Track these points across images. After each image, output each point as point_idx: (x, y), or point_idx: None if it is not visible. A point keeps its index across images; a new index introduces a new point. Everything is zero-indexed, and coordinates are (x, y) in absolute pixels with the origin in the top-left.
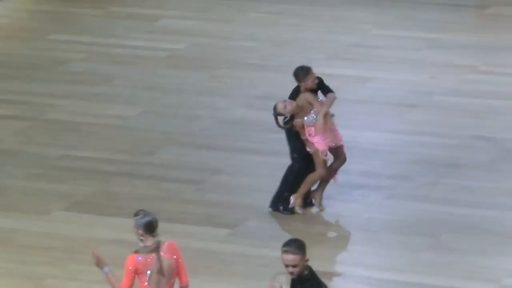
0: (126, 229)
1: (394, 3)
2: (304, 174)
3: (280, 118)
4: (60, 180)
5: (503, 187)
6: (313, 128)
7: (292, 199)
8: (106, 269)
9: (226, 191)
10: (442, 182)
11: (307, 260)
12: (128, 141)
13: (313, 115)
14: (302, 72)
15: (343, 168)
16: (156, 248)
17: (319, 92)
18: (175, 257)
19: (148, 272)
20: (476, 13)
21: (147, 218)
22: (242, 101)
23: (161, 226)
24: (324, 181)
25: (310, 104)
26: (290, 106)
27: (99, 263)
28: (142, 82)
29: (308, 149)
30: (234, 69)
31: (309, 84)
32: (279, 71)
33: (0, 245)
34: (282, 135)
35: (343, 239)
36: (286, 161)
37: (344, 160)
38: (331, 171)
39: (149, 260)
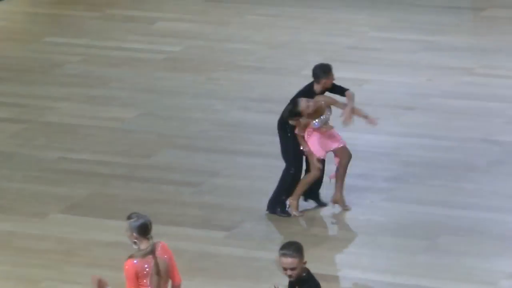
0: (123, 231)
1: (391, 6)
2: (300, 176)
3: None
4: (57, 183)
5: (500, 190)
6: (312, 130)
7: (288, 202)
8: None
9: (223, 194)
10: (439, 184)
11: (305, 263)
12: (125, 143)
13: (320, 119)
14: (322, 72)
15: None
16: (152, 250)
17: (326, 92)
18: (166, 256)
19: (146, 267)
20: (473, 16)
21: (141, 221)
22: (239, 104)
23: (158, 229)
24: (339, 182)
25: (324, 107)
26: (313, 106)
27: (100, 286)
28: (139, 84)
29: (302, 148)
30: (231, 72)
31: (328, 84)
32: (276, 74)
33: None
34: (278, 138)
35: (340, 241)
36: (283, 163)
37: (350, 156)
38: (342, 170)
39: (146, 262)
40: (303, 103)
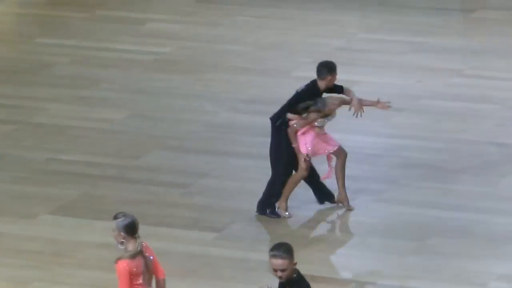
0: (110, 231)
1: (381, 7)
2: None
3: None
4: (46, 184)
5: (489, 191)
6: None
7: (277, 204)
8: None
9: (213, 195)
10: (429, 186)
11: (295, 264)
12: (115, 144)
13: (326, 119)
14: (329, 68)
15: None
16: (141, 250)
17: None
18: (149, 255)
19: (138, 266)
20: (462, 17)
21: (128, 220)
22: (228, 105)
23: (148, 230)
24: (340, 181)
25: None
26: (337, 106)
27: None
28: (129, 85)
29: (293, 145)
30: (220, 73)
31: (333, 81)
32: (266, 75)
33: None
34: (268, 139)
35: (329, 243)
36: None
37: (346, 155)
38: (340, 169)
39: (136, 262)
40: (330, 102)
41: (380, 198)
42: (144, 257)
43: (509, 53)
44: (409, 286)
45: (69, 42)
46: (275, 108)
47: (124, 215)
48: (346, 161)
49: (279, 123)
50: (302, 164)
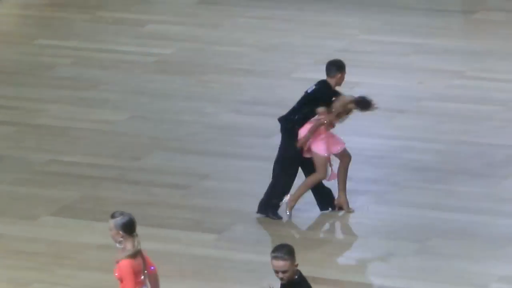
0: (108, 231)
1: (381, 9)
2: (293, 179)
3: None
4: (47, 185)
5: (490, 192)
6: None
7: (287, 198)
8: None
9: (214, 196)
10: (430, 187)
11: (296, 265)
12: (116, 146)
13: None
14: (339, 66)
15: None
16: (140, 249)
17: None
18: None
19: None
20: (463, 19)
21: (126, 218)
22: (229, 106)
23: (148, 231)
24: (341, 184)
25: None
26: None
27: None
28: (130, 87)
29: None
30: (221, 74)
31: (342, 79)
32: (267, 76)
33: None
34: (269, 140)
35: (331, 244)
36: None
37: (350, 157)
38: (342, 172)
39: (137, 260)
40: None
41: (381, 200)
42: (142, 256)
43: (510, 55)
44: (410, 287)
45: (70, 44)
46: (276, 110)
47: (122, 213)
48: None
49: (291, 125)
50: (322, 166)
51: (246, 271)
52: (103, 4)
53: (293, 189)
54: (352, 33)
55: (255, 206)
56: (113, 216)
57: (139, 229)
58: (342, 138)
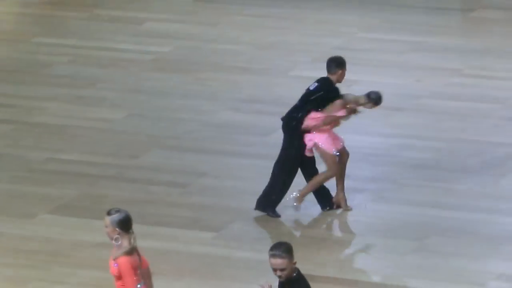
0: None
1: (380, 6)
2: (293, 177)
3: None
4: (45, 183)
5: (489, 190)
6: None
7: (296, 194)
8: None
9: (212, 194)
10: (428, 185)
11: (294, 263)
12: (113, 144)
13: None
14: (339, 63)
15: None
16: (136, 246)
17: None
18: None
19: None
20: (462, 17)
21: (122, 215)
22: (227, 104)
23: (146, 229)
24: (340, 182)
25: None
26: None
27: None
28: (127, 85)
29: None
30: (218, 72)
31: (343, 76)
32: (264, 74)
33: None
34: (267, 138)
35: (329, 242)
36: (271, 163)
37: (348, 155)
38: (342, 170)
39: (134, 257)
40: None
41: (380, 198)
42: (138, 252)
43: (509, 53)
44: (409, 285)
45: (68, 42)
46: (274, 108)
47: (118, 210)
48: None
49: (295, 122)
50: (332, 163)
51: (244, 269)
52: (100, 2)
53: (300, 186)
54: (350, 31)
55: (253, 204)
56: (109, 213)
57: (137, 227)
58: (344, 136)
